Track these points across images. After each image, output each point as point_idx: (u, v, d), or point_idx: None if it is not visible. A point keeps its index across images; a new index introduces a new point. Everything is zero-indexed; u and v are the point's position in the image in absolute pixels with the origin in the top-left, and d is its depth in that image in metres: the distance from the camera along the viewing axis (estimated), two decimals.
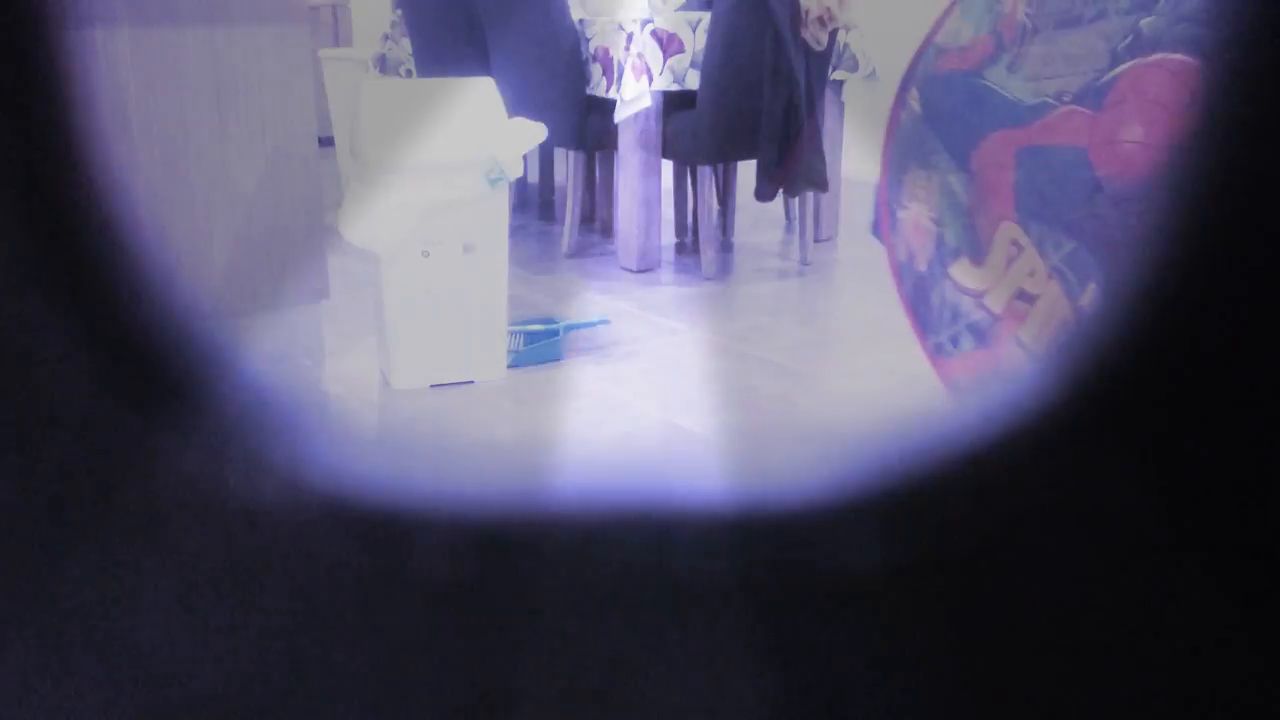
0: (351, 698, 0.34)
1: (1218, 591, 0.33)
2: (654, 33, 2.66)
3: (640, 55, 2.66)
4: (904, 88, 1.27)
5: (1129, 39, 0.99)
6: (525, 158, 2.12)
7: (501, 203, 2.00)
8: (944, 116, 1.20)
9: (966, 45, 1.17)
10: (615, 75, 2.73)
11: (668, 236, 3.12)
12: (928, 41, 1.23)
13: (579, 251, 3.03)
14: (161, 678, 0.33)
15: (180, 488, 0.33)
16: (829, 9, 2.76)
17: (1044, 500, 0.34)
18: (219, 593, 0.33)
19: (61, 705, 0.34)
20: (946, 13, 1.21)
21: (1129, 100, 0.99)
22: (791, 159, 2.71)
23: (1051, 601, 0.34)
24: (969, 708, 0.35)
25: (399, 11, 3.27)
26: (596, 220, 3.34)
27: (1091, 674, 0.34)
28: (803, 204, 2.89)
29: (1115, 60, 1.00)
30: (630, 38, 2.67)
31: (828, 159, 2.85)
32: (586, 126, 2.89)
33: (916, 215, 1.27)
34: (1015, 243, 1.11)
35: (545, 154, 3.70)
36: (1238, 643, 0.34)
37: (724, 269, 2.91)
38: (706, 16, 2.67)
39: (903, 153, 1.27)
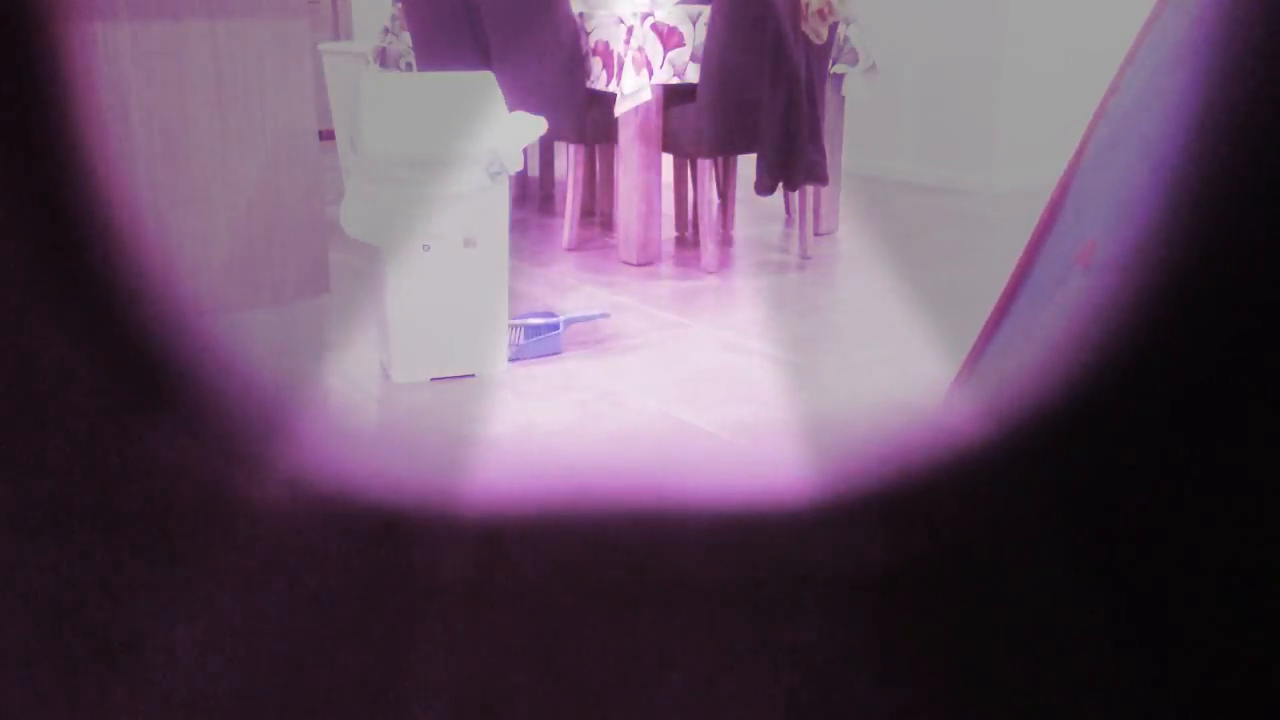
0: (351, 698, 0.34)
1: (1214, 592, 0.33)
2: (654, 26, 2.66)
3: (640, 49, 2.65)
4: None
5: None
6: (525, 151, 2.12)
7: (502, 197, 2.00)
8: None
9: None
10: (615, 69, 2.73)
11: (668, 230, 3.12)
12: None
13: (579, 245, 3.03)
14: (162, 678, 0.33)
15: (180, 487, 0.33)
16: (829, 2, 2.75)
17: (1043, 498, 0.34)
18: (219, 592, 0.33)
19: (61, 705, 0.34)
20: None
21: None
22: (791, 153, 2.70)
23: (1050, 601, 0.34)
24: (968, 707, 0.35)
25: (399, 5, 3.26)
26: (597, 214, 3.34)
27: (1089, 674, 0.34)
28: (803, 198, 2.88)
29: None
30: (630, 31, 2.67)
31: (828, 153, 2.84)
32: (586, 120, 2.89)
33: None
34: None
35: (545, 148, 3.69)
36: (1233, 643, 0.34)
37: (724, 263, 2.90)
38: (707, 10, 2.66)
39: None
